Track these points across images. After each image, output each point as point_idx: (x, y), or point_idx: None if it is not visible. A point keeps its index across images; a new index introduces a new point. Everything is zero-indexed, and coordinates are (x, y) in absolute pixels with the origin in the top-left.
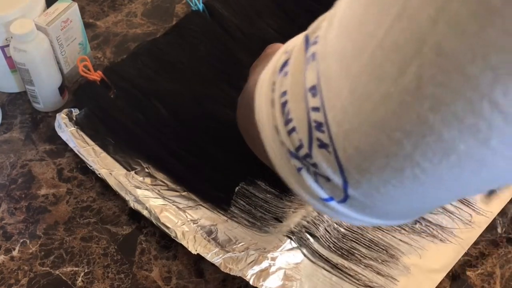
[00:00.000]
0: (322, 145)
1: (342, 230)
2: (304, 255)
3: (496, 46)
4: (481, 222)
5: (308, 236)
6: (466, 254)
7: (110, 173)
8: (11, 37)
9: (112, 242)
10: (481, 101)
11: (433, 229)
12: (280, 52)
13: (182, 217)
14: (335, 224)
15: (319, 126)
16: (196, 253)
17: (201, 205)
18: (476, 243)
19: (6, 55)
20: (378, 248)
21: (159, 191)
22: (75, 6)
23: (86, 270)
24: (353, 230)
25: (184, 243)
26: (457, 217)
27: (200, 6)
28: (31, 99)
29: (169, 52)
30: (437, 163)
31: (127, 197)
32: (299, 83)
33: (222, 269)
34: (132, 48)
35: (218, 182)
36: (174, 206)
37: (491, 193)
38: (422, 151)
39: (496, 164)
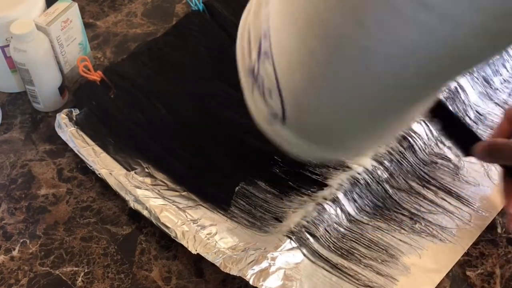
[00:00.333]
0: (266, 56)
1: (342, 230)
2: (304, 255)
3: None
4: (481, 222)
5: (308, 236)
6: (466, 254)
7: (110, 173)
8: (11, 37)
9: (112, 242)
10: None
11: (433, 229)
12: None
13: (182, 217)
14: (335, 224)
15: (265, 36)
16: (196, 253)
17: (201, 205)
18: (476, 243)
19: (6, 55)
20: (378, 248)
21: (159, 191)
22: (75, 6)
23: (86, 270)
24: (353, 230)
25: (184, 243)
26: (457, 217)
27: (200, 6)
28: (31, 99)
29: (169, 52)
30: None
31: (127, 197)
32: None
33: (222, 269)
34: (132, 48)
35: (218, 182)
36: (174, 206)
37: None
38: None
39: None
